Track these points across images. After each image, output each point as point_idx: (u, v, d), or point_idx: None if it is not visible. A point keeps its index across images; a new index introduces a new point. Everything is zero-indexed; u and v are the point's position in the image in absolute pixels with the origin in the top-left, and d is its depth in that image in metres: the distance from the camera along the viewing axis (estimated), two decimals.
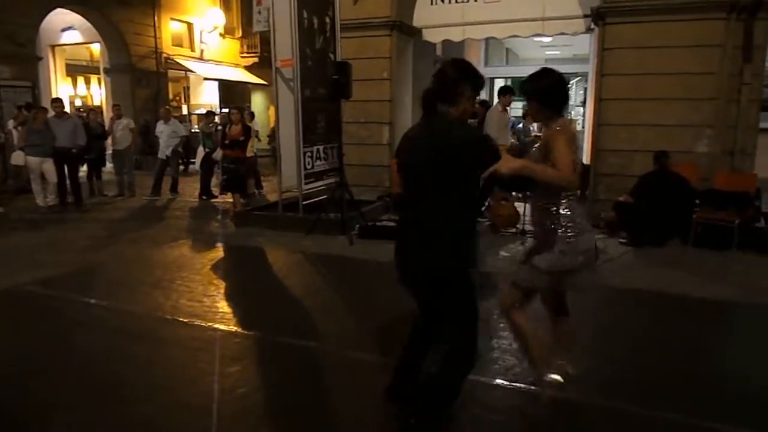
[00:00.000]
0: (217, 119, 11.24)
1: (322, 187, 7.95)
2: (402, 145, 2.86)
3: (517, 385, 3.31)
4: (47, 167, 8.62)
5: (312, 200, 7.73)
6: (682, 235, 6.59)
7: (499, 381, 3.34)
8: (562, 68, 17.89)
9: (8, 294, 4.96)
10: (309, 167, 7.68)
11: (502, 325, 4.16)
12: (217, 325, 4.22)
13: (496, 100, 9.12)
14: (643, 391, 3.23)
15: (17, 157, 9.27)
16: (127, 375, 3.46)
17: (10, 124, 10.41)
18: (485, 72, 15.08)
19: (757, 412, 3.03)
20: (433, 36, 9.94)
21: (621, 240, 6.69)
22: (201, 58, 18.65)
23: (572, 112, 17.35)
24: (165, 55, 16.95)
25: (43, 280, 5.27)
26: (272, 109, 12.92)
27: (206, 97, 19.70)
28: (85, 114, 11.48)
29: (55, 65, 16.11)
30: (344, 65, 7.34)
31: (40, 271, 5.56)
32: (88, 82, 17.98)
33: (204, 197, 10.19)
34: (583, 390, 3.23)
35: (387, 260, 6.06)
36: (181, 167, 12.22)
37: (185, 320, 4.33)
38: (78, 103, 17.17)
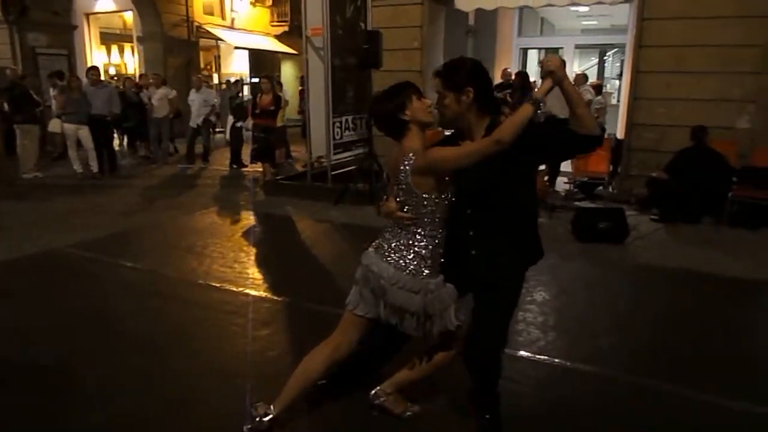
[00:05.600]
0: (245, 89, 11.33)
1: (350, 158, 7.98)
2: None
3: (542, 357, 3.34)
4: (83, 134, 8.83)
5: (341, 170, 7.77)
6: (716, 213, 6.44)
7: (523, 353, 3.37)
8: (599, 39, 17.28)
9: (48, 255, 5.17)
10: (338, 137, 7.70)
11: (528, 298, 4.18)
12: (247, 291, 4.34)
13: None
14: (670, 369, 3.23)
15: (54, 125, 9.50)
16: (159, 335, 3.61)
17: (51, 91, 10.64)
18: (518, 43, 14.76)
19: None
20: (465, 4, 9.72)
21: (653, 217, 6.58)
22: (232, 27, 18.65)
23: (607, 85, 16.89)
24: (196, 23, 16.99)
25: (80, 243, 5.46)
26: None
27: (236, 67, 19.76)
28: (119, 82, 11.69)
29: (89, 33, 16.32)
30: (375, 34, 7.28)
31: (78, 234, 5.77)
32: (121, 50, 18.20)
33: (234, 166, 10.33)
34: (612, 364, 3.26)
35: None
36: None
37: (217, 285, 4.46)
38: (112, 71, 17.43)
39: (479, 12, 10.37)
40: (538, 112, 2.18)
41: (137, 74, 16.29)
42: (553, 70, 2.12)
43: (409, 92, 2.32)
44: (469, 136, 2.32)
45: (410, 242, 2.34)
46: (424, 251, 2.33)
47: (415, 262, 2.33)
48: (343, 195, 7.24)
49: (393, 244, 2.37)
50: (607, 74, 17.90)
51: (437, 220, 2.34)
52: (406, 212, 2.34)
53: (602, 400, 2.94)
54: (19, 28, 12.04)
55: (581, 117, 2.15)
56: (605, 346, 3.53)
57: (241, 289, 4.38)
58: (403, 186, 2.31)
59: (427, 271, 2.33)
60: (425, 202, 2.30)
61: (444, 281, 2.36)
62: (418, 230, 2.34)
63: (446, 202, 2.32)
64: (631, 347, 3.53)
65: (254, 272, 4.86)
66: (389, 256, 2.36)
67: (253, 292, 4.32)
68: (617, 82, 14.87)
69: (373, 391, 2.66)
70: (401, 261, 2.34)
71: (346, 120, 7.85)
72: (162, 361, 3.27)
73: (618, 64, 15.73)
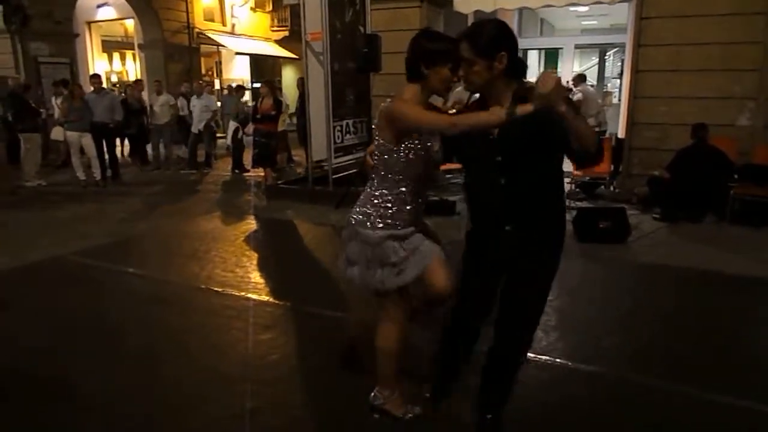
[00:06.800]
0: (248, 95, 11.38)
1: (351, 161, 7.99)
2: None
3: (544, 358, 3.34)
4: (86, 141, 8.87)
5: (341, 174, 7.79)
6: (718, 211, 6.43)
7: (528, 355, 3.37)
8: (599, 39, 17.27)
9: (51, 263, 5.19)
10: (338, 141, 7.72)
11: None
12: (249, 295, 4.35)
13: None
14: (673, 368, 3.22)
15: (57, 133, 9.55)
16: (162, 341, 3.62)
17: (53, 100, 10.70)
18: (518, 43, 14.80)
19: None
20: (464, 6, 9.72)
21: (654, 215, 6.56)
22: (232, 33, 18.73)
23: (608, 84, 16.87)
24: (197, 29, 17.07)
25: (83, 250, 5.49)
26: None
27: (238, 72, 19.83)
28: (121, 89, 11.76)
29: (91, 42, 16.42)
30: (374, 38, 7.30)
31: (81, 242, 5.79)
32: (123, 57, 18.30)
33: (236, 171, 10.36)
34: (615, 364, 3.25)
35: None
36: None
37: (219, 290, 4.47)
38: (114, 78, 17.52)
39: (478, 14, 10.34)
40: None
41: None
42: (545, 94, 1.83)
43: (448, 56, 2.18)
44: (497, 102, 2.13)
45: (370, 191, 2.38)
46: (382, 206, 2.33)
47: (369, 215, 2.34)
48: (344, 199, 7.24)
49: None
50: (607, 74, 17.90)
51: (391, 175, 2.31)
52: (373, 159, 2.37)
53: (605, 400, 2.93)
54: (21, 37, 12.10)
55: (581, 148, 1.98)
56: (608, 345, 3.52)
57: (242, 293, 4.39)
58: (375, 130, 2.35)
59: (377, 224, 2.33)
60: (385, 152, 2.29)
61: (386, 243, 2.32)
62: (375, 181, 2.37)
63: (405, 160, 2.28)
64: (633, 347, 3.52)
65: (256, 277, 4.87)
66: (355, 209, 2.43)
67: (254, 297, 4.33)
68: (618, 81, 14.86)
69: (372, 393, 2.66)
70: (356, 211, 2.40)
71: (347, 123, 7.87)
72: (163, 366, 3.29)
73: (619, 64, 15.73)
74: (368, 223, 2.35)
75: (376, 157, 2.35)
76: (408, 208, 2.36)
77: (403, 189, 2.33)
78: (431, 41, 2.24)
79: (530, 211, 2.21)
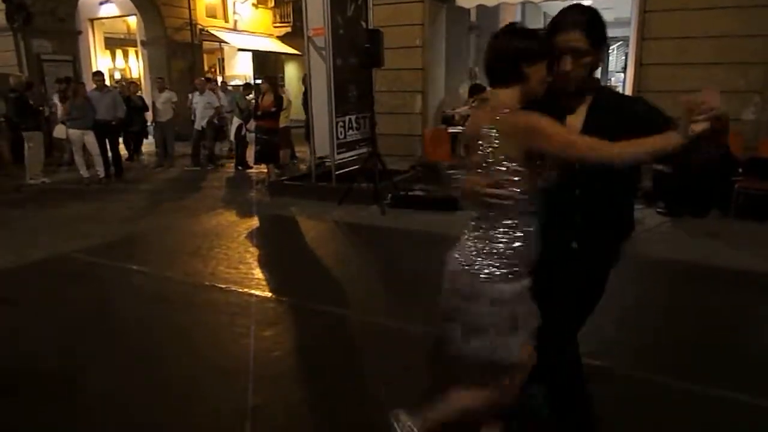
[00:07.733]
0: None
1: (354, 157, 7.99)
2: None
3: None
4: (89, 139, 8.89)
5: (344, 170, 7.78)
6: (723, 206, 6.39)
7: None
8: None
9: (54, 260, 5.21)
10: (341, 137, 7.71)
11: None
12: (252, 291, 4.35)
13: None
14: (677, 363, 3.21)
15: (59, 131, 9.57)
16: (165, 338, 3.63)
17: (56, 98, 10.72)
18: None
19: None
20: (466, 1, 9.71)
21: (659, 210, 6.54)
22: (235, 29, 18.71)
23: (612, 78, 16.81)
24: (199, 26, 17.06)
25: (87, 248, 5.50)
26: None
27: (240, 68, 19.82)
28: (126, 86, 11.78)
29: (94, 39, 16.43)
30: (376, 33, 7.27)
31: (85, 239, 5.81)
32: (126, 54, 18.31)
33: (239, 167, 10.37)
34: (618, 360, 3.23)
35: (417, 229, 6.10)
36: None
37: (222, 286, 4.48)
38: (117, 76, 17.53)
39: (481, 8, 10.32)
40: None
41: (142, 78, 16.45)
42: (720, 116, 1.59)
43: (545, 52, 1.83)
44: (576, 103, 1.89)
45: (486, 233, 1.87)
46: (501, 246, 1.85)
47: (481, 259, 1.86)
48: (347, 195, 7.24)
49: (466, 240, 1.93)
50: (611, 67, 17.84)
51: (522, 206, 1.86)
52: (504, 186, 1.82)
53: (609, 396, 2.91)
54: (24, 35, 12.13)
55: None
56: (611, 340, 3.51)
57: (246, 290, 4.39)
58: (489, 149, 1.81)
59: (496, 272, 1.84)
60: (513, 173, 1.80)
61: (524, 297, 1.89)
62: (499, 216, 1.85)
63: (539, 184, 1.86)
64: (637, 341, 3.51)
65: (259, 273, 4.87)
66: (457, 253, 1.94)
67: (257, 293, 4.33)
68: (622, 75, 14.82)
69: (393, 411, 2.23)
70: (463, 255, 1.91)
71: (350, 119, 7.86)
72: (166, 362, 3.29)
73: (622, 57, 15.68)
74: (492, 276, 1.86)
75: (515, 183, 1.82)
76: (529, 246, 1.91)
77: (525, 222, 1.88)
78: (525, 38, 1.84)
79: (601, 229, 1.96)
